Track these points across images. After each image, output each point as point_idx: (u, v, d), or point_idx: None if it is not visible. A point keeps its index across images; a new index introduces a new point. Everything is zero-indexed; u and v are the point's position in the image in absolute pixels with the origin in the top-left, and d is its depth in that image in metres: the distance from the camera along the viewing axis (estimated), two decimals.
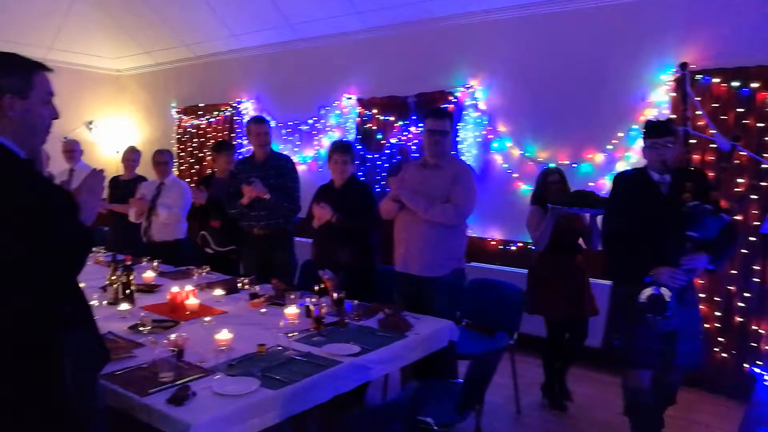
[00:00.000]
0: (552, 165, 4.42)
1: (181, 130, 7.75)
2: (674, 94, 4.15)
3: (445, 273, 3.30)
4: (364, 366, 2.45)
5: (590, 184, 4.50)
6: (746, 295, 3.92)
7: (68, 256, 1.67)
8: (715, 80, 3.96)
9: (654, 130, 2.84)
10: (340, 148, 3.71)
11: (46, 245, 1.58)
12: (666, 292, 2.65)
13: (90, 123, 8.22)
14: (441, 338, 2.95)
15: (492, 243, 5.14)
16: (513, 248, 5.02)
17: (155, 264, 4.07)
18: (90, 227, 1.76)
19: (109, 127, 8.38)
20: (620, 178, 3.00)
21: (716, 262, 2.74)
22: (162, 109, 8.08)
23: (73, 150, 5.45)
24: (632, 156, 4.36)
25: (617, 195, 2.96)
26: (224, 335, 2.50)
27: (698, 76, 4.03)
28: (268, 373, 2.22)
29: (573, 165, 4.64)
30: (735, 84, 3.89)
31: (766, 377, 2.51)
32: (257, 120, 4.20)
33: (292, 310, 2.91)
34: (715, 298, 4.03)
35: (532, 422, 3.68)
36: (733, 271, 3.95)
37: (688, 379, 3.96)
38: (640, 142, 4.38)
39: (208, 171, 6.38)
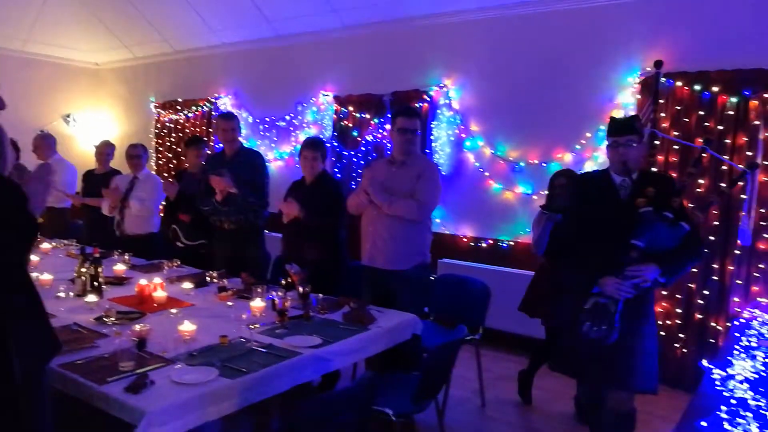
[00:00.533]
0: (562, 167, 4.28)
1: (159, 125, 7.74)
2: (639, 96, 4.27)
3: (409, 267, 3.36)
4: (323, 358, 2.50)
5: None
6: (705, 292, 4.04)
7: (18, 247, 1.71)
8: (678, 83, 4.07)
9: (616, 128, 2.65)
10: (310, 144, 3.76)
11: None
12: (612, 304, 2.47)
13: (68, 116, 8.17)
14: (404, 331, 3.02)
15: (464, 240, 5.22)
16: (484, 245, 5.10)
17: (126, 257, 4.09)
18: (35, 217, 1.80)
19: (87, 121, 8.34)
20: (581, 180, 2.91)
21: (669, 275, 2.51)
22: (141, 104, 8.06)
23: (40, 146, 5.40)
24: (600, 156, 4.46)
25: (576, 197, 2.81)
26: (187, 326, 2.54)
27: (663, 79, 4.13)
28: (228, 363, 2.26)
29: (543, 164, 4.73)
30: (697, 87, 4.00)
31: (714, 371, 2.59)
32: (224, 116, 4.22)
33: (257, 304, 2.95)
34: (676, 296, 4.15)
35: (496, 415, 3.76)
36: (693, 270, 4.07)
37: None
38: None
39: (186, 165, 6.40)
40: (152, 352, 2.36)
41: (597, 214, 2.62)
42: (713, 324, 4.04)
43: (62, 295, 3.14)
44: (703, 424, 2.19)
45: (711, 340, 4.03)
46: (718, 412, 2.24)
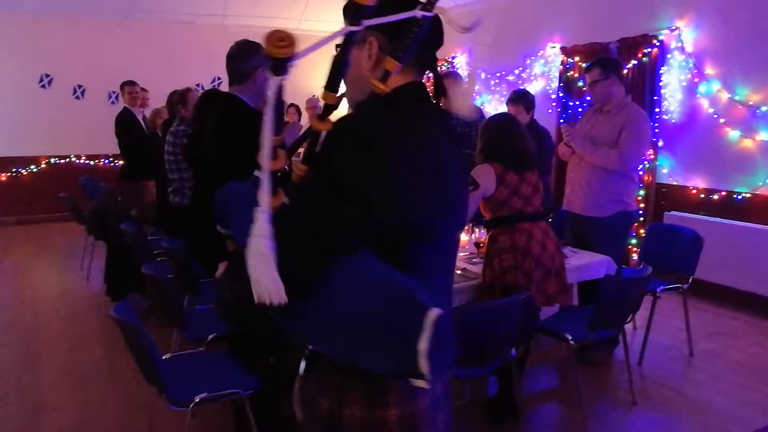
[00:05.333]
0: None
1: None
2: None
3: (606, 214, 3.49)
4: None
5: None
6: None
7: None
8: None
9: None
10: (512, 99, 4.08)
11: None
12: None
13: None
14: (595, 270, 3.24)
15: (693, 192, 4.97)
16: (715, 197, 4.80)
17: None
18: None
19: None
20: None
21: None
22: None
23: (315, 107, 6.67)
24: None
25: None
26: None
27: None
28: None
29: None
30: None
31: None
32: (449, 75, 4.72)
33: (462, 238, 3.47)
34: None
35: (703, 366, 3.70)
36: None
37: None
38: None
39: None
40: None
41: None
42: None
43: None
44: None
45: None
46: None
